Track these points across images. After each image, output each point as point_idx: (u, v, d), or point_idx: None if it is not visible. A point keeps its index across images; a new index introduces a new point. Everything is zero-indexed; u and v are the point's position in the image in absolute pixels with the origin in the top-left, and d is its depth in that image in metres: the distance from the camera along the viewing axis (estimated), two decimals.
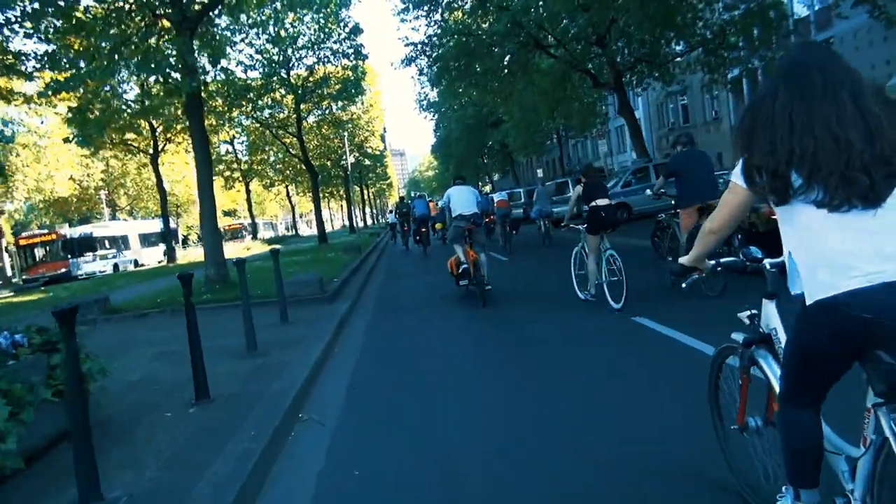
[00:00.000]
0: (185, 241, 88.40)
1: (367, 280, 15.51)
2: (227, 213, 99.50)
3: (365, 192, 70.16)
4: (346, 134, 34.32)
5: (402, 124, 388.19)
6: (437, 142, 62.36)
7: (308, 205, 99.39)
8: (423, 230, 21.89)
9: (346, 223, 71.69)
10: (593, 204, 8.21)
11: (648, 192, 9.59)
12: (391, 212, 37.36)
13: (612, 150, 56.98)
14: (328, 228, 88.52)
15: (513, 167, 56.89)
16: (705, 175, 8.34)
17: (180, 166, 40.63)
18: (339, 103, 29.49)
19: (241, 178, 44.49)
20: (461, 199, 10.36)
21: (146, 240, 47.86)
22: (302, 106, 27.65)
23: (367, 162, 43.64)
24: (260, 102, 25.77)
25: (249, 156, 39.90)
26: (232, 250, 44.10)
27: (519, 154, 47.00)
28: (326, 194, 62.67)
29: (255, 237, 52.43)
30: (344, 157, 39.06)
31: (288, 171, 41.55)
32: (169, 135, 27.89)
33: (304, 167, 31.08)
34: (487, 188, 65.99)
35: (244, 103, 25.06)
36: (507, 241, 19.17)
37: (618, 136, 55.19)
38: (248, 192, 45.66)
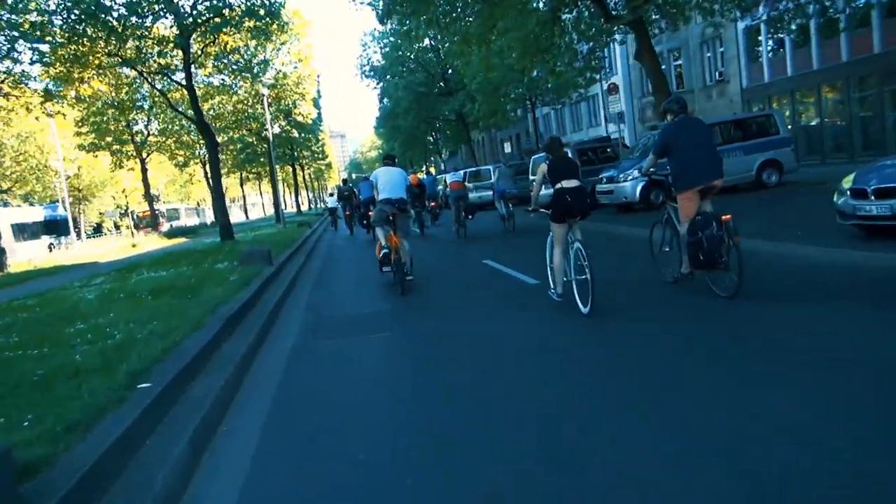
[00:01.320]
0: (97, 230, 77.80)
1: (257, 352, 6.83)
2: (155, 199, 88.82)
3: (301, 173, 61.03)
4: (263, 90, 25.52)
5: (342, 106, 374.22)
6: (382, 115, 53.80)
7: (238, 189, 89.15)
8: (369, 214, 17.58)
9: (289, 206, 63.07)
10: (559, 186, 6.57)
11: (636, 172, 8.43)
12: (331, 195, 33.51)
13: (582, 123, 49.76)
14: (258, 214, 78.14)
15: (470, 143, 48.81)
16: (705, 149, 6.62)
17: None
18: (250, 43, 20.69)
19: (135, 154, 34.98)
20: (388, 183, 9.49)
21: (24, 231, 38.07)
22: (193, 45, 18.76)
23: (297, 133, 34.88)
24: (126, 34, 16.82)
25: (120, 115, 30.44)
26: (113, 247, 36.65)
27: (482, 125, 38.92)
28: (252, 175, 53.37)
29: (154, 228, 42.62)
30: (267, 127, 30.21)
31: (186, 139, 32.40)
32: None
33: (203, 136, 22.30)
34: (433, 169, 58.62)
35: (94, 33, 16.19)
36: (460, 227, 17.11)
37: (590, 106, 47.85)
38: (143, 170, 36.11)
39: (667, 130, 6.82)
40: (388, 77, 47.79)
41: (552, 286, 7.11)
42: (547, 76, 33.81)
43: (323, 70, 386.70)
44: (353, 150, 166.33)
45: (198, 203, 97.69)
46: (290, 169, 50.07)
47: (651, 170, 7.26)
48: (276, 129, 32.78)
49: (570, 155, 24.98)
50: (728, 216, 6.12)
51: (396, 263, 9.10)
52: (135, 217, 64.02)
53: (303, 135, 36.15)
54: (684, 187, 6.57)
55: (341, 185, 26.87)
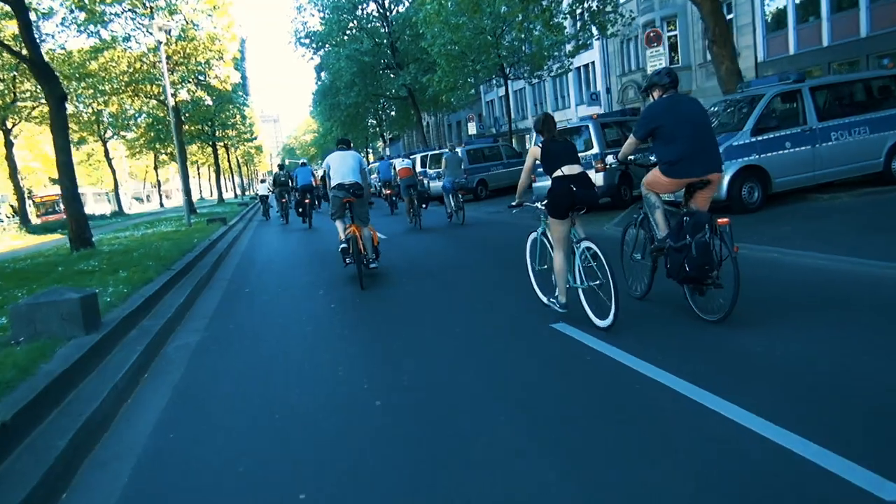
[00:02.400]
0: None
1: None
2: (54, 181, 78.41)
3: (225, 155, 53.01)
4: (159, 34, 18.23)
5: (275, 89, 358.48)
6: (319, 91, 46.43)
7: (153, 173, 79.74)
8: (307, 201, 19.25)
9: (212, 194, 53.36)
10: (559, 173, 5.34)
11: (611, 159, 6.98)
12: (262, 181, 30.40)
13: (546, 104, 43.92)
14: (178, 203, 68.53)
15: (421, 125, 42.20)
16: (700, 134, 5.23)
17: None
18: None
19: None
20: (341, 167, 8.67)
21: None
22: None
23: (210, 101, 27.57)
24: None
25: None
26: None
27: (443, 100, 32.40)
28: (168, 156, 45.27)
29: (24, 221, 33.28)
30: (174, 91, 22.89)
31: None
32: None
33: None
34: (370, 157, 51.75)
35: None
36: (415, 218, 15.46)
37: (556, 86, 42.03)
38: (7, 144, 27.98)
39: (653, 109, 5.33)
40: (327, 46, 40.60)
41: (539, 292, 6.14)
42: (522, 40, 27.84)
43: (253, 49, 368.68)
44: (287, 135, 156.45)
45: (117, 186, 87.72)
46: (210, 149, 42.22)
47: (631, 157, 5.89)
48: (184, 95, 25.42)
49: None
50: (726, 220, 4.89)
51: (357, 255, 8.18)
52: (34, 202, 54.66)
53: (220, 104, 28.85)
54: (673, 174, 5.21)
55: (277, 170, 24.25)
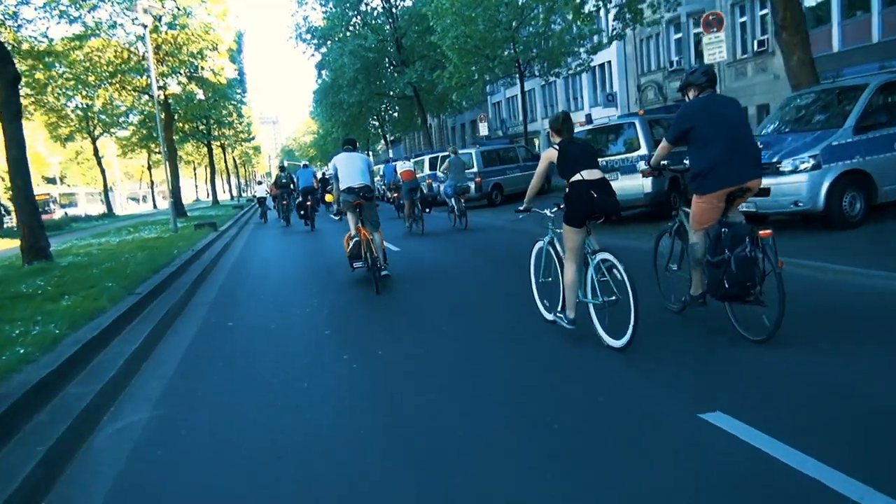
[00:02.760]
0: None
1: None
2: (49, 181, 76.23)
3: (220, 155, 50.82)
4: (144, 18, 16.13)
5: (275, 91, 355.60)
6: (320, 90, 44.33)
7: (164, 172, 77.61)
8: (309, 203, 18.58)
9: (208, 195, 50.76)
10: (578, 177, 4.83)
11: (642, 164, 6.60)
12: (259, 182, 29.26)
13: (558, 105, 41.92)
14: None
15: (426, 126, 40.14)
16: (737, 136, 4.73)
17: None
18: None
19: None
20: (349, 169, 8.33)
21: None
22: None
23: (202, 94, 25.33)
24: None
25: None
26: None
27: (455, 97, 30.34)
28: (158, 153, 43.07)
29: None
30: (163, 83, 20.84)
31: None
32: None
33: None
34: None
35: None
36: (415, 223, 14.99)
37: (569, 86, 40.06)
38: None
39: (687, 109, 4.89)
40: (329, 42, 38.57)
41: (540, 304, 5.73)
42: (541, 34, 25.84)
43: (252, 50, 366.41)
44: (287, 136, 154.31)
45: (111, 187, 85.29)
46: (207, 150, 40.05)
47: (663, 162, 5.40)
48: (175, 88, 23.28)
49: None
50: (768, 231, 4.39)
51: (370, 259, 7.91)
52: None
53: (214, 99, 26.72)
54: (709, 188, 4.73)
55: (279, 172, 23.61)
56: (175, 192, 23.36)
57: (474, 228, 14.35)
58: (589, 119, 14.59)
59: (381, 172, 23.13)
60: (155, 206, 59.51)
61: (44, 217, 55.15)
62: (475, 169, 21.51)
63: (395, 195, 20.10)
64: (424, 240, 13.38)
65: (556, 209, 5.19)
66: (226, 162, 50.29)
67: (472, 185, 19.14)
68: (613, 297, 4.67)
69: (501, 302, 6.80)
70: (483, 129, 29.35)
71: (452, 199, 15.17)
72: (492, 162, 22.16)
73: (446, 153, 23.00)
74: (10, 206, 36.37)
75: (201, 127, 36.33)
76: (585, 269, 5.02)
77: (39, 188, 62.02)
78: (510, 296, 6.81)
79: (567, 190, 4.90)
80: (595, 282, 4.87)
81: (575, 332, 5.05)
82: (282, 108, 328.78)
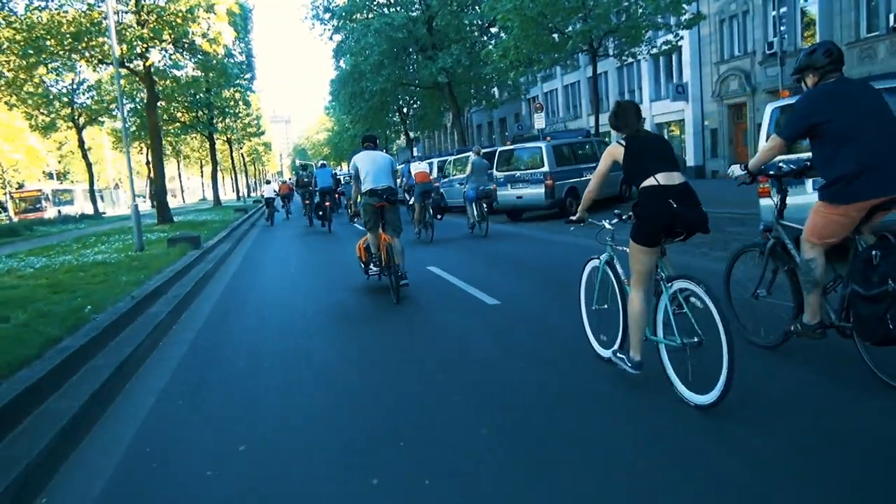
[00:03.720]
0: None
1: None
2: (49, 176, 71.40)
3: (231, 153, 45.57)
4: None
5: (287, 90, 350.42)
6: (338, 79, 38.90)
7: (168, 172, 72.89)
8: (328, 204, 17.70)
9: (211, 194, 45.07)
10: (651, 182, 3.64)
11: (735, 170, 4.31)
12: (268, 182, 26.93)
13: (609, 99, 36.41)
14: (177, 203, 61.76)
15: (459, 120, 34.67)
16: (886, 134, 3.64)
17: None
18: None
19: None
20: (374, 170, 7.39)
21: None
22: None
23: (192, 67, 19.97)
24: None
25: None
26: None
27: (515, 74, 24.63)
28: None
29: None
30: (143, 50, 15.63)
31: None
32: None
33: None
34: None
35: None
36: (425, 229, 13.35)
37: (624, 77, 34.51)
38: None
39: (811, 100, 3.82)
40: (350, 22, 33.24)
41: (592, 338, 4.52)
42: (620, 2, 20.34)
43: (264, 48, 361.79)
44: (299, 135, 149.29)
45: (116, 184, 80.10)
46: (209, 144, 34.67)
47: (782, 165, 4.48)
48: (156, 56, 17.92)
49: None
50: None
51: (388, 266, 7.24)
52: (12, 198, 47.69)
53: (211, 77, 21.34)
54: (850, 197, 3.61)
55: (301, 170, 23.70)
56: (159, 192, 18.15)
57: (497, 236, 13.07)
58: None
59: (402, 173, 19.73)
60: (153, 206, 54.34)
61: (33, 215, 49.99)
62: (546, 168, 16.25)
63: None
64: (436, 248, 11.85)
65: (616, 221, 4.15)
66: (232, 159, 44.97)
67: (544, 191, 16.00)
68: (696, 339, 3.44)
69: (540, 330, 5.39)
70: (539, 121, 23.77)
71: (474, 204, 13.73)
72: (564, 160, 16.76)
73: (518, 147, 18.14)
74: None
75: (201, 115, 31.07)
76: (656, 298, 3.78)
77: (42, 184, 57.17)
78: (554, 325, 5.43)
79: (637, 198, 3.70)
80: (670, 316, 3.59)
81: (639, 379, 3.86)
82: (294, 107, 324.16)
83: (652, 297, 3.85)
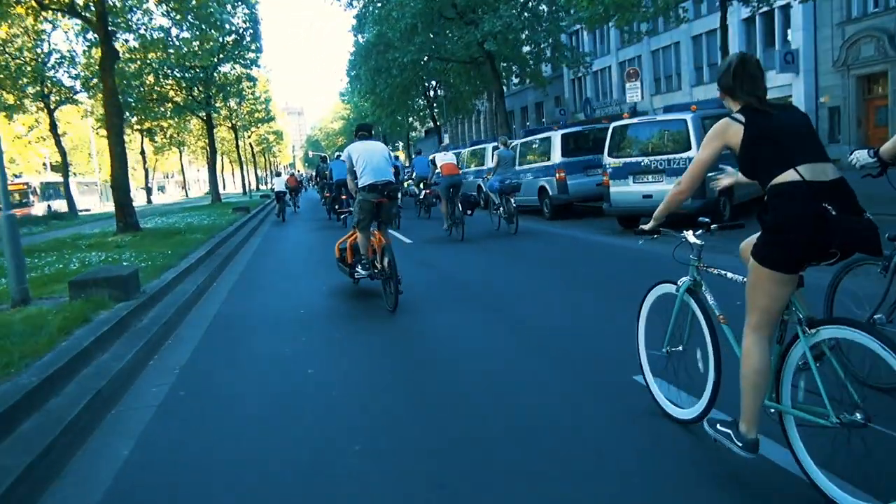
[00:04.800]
0: None
1: None
2: (53, 168, 66.03)
3: (237, 141, 39.74)
4: None
5: (299, 83, 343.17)
6: (360, 52, 32.86)
7: (172, 163, 67.21)
8: (344, 197, 15.90)
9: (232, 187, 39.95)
10: (790, 177, 2.39)
11: (860, 157, 3.21)
12: (278, 174, 25.35)
13: (683, 73, 30.30)
14: (176, 198, 56.82)
15: (503, 100, 28.57)
16: None
17: None
18: None
19: None
20: (371, 162, 6.58)
21: None
22: None
23: (168, 21, 14.46)
24: None
25: None
26: None
27: (529, 67, 18.66)
28: (137, 130, 32.25)
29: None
30: None
31: None
32: None
33: None
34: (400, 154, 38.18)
35: None
36: (455, 226, 12.01)
37: (700, 47, 28.30)
38: None
39: None
40: None
41: (671, 404, 3.30)
42: None
43: (277, 38, 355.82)
44: (312, 126, 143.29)
45: (67, 173, 74.61)
46: (206, 127, 28.80)
47: None
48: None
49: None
50: None
51: (383, 270, 6.39)
52: None
53: (197, 34, 15.69)
54: None
55: (321, 162, 21.97)
56: (119, 187, 12.45)
57: (526, 234, 11.65)
58: None
59: (413, 166, 19.71)
60: (149, 201, 48.59)
61: (18, 212, 44.90)
62: (694, 152, 10.36)
63: (429, 192, 16.84)
64: (466, 247, 10.64)
65: (702, 232, 3.10)
66: (238, 148, 39.16)
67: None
68: (859, 417, 2.27)
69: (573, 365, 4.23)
70: (634, 94, 17.66)
71: (499, 198, 12.29)
72: None
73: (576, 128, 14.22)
74: None
75: (197, 93, 25.32)
76: (783, 349, 2.58)
77: (42, 176, 51.69)
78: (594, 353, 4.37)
79: (767, 199, 2.50)
80: (817, 379, 2.35)
81: (752, 465, 2.64)
82: (307, 98, 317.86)
83: (776, 345, 2.64)
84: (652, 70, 32.47)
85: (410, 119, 46.78)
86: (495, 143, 15.54)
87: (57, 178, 48.29)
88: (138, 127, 28.74)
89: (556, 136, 14.20)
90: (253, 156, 54.99)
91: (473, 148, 21.97)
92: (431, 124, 56.72)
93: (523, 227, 12.02)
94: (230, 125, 37.28)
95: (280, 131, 64.70)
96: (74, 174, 66.44)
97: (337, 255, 7.55)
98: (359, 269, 6.77)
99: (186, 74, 24.86)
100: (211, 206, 25.86)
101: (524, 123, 49.46)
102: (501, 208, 12.22)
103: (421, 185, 17.78)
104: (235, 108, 32.55)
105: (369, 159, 6.53)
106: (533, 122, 45.83)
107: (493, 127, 52.26)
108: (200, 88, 25.60)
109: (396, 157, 36.85)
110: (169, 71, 24.05)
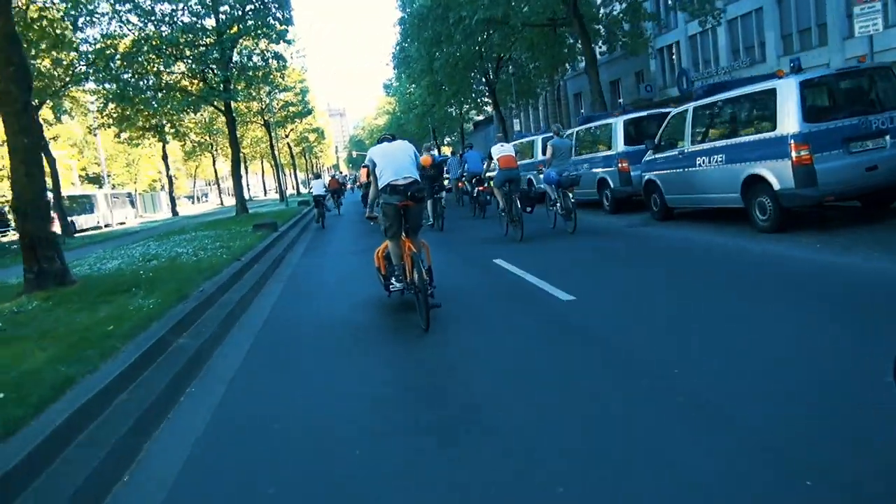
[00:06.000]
0: None
1: None
2: (91, 180, 62.28)
3: (270, 139, 34.11)
4: None
5: (341, 85, 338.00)
6: (412, 24, 26.55)
7: (211, 168, 62.46)
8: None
9: (265, 192, 34.29)
10: None
11: None
12: (317, 176, 23.03)
13: (777, 38, 23.23)
14: (212, 204, 51.67)
15: (595, 69, 21.93)
16: None
17: None
18: None
19: None
20: (391, 161, 5.87)
21: None
22: None
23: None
24: None
25: None
26: None
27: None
28: (140, 131, 26.53)
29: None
30: None
31: None
32: None
33: None
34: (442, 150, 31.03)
35: None
36: (514, 224, 10.61)
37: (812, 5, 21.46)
38: None
39: None
40: None
41: None
42: None
43: (318, 38, 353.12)
44: (354, 125, 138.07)
45: (155, 186, 70.46)
46: (227, 118, 22.93)
47: None
48: None
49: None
50: None
51: (413, 282, 5.62)
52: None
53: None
54: None
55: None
56: (28, 199, 6.64)
57: (587, 232, 10.22)
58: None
59: (465, 160, 16.46)
60: (175, 213, 43.31)
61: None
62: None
63: (482, 188, 14.98)
64: (528, 248, 9.34)
65: None
66: (272, 147, 33.30)
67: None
68: None
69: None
70: (870, 20, 11.00)
71: (554, 191, 10.68)
72: None
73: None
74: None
75: (212, 76, 19.57)
76: None
77: (70, 189, 47.48)
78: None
79: None
80: None
81: None
82: (349, 100, 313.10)
83: None
84: (779, 24, 25.32)
85: (465, 107, 40.58)
86: (548, 134, 14.84)
87: (79, 191, 43.75)
88: (143, 123, 23.10)
89: (618, 123, 12.50)
90: (292, 157, 49.42)
91: (522, 140, 19.07)
92: (483, 116, 50.45)
93: (584, 224, 10.52)
94: (262, 121, 31.57)
95: (321, 129, 59.06)
96: (113, 185, 62.50)
97: (375, 263, 6.59)
98: (393, 280, 6.05)
99: (195, 53, 19.09)
100: (233, 221, 20.08)
101: (594, 108, 42.64)
102: (558, 204, 10.74)
103: (474, 182, 15.79)
104: (266, 99, 26.81)
105: (389, 158, 5.82)
106: (610, 104, 38.95)
107: (555, 113, 45.65)
108: (215, 70, 19.83)
109: (440, 152, 31.12)
110: (172, 49, 18.32)
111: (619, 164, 12.18)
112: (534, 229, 10.60)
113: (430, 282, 5.91)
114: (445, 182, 18.01)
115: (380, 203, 5.90)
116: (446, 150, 54.54)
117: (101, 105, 21.02)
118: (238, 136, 37.68)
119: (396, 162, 5.80)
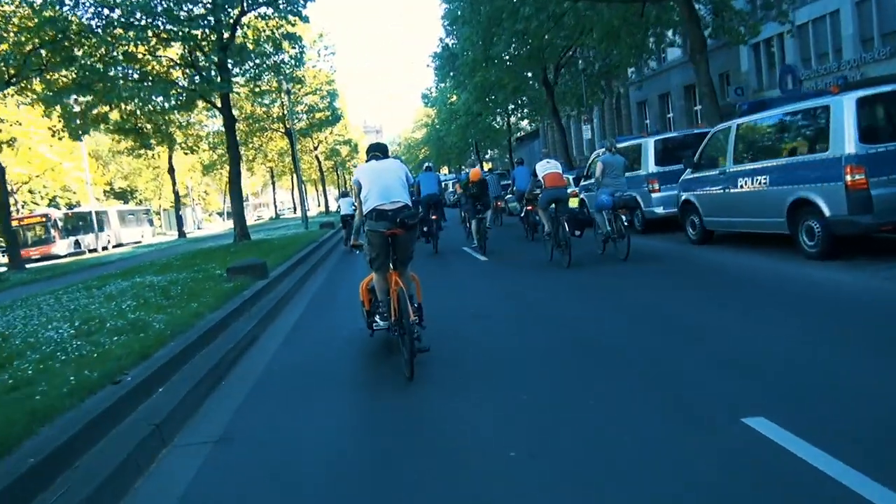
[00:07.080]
0: None
1: None
2: (117, 195, 58.45)
3: (292, 149, 28.97)
4: None
5: (378, 101, 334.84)
6: (465, 5, 21.24)
7: (252, 182, 57.98)
8: (434, 217, 13.69)
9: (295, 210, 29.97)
10: None
11: None
12: (344, 195, 20.70)
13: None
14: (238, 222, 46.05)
15: (705, 54, 16.09)
16: None
17: None
18: None
19: None
20: (378, 183, 5.15)
21: None
22: None
23: None
24: None
25: None
26: None
27: None
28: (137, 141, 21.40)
29: None
30: None
31: None
32: None
33: None
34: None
35: None
36: (561, 249, 9.52)
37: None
38: None
39: None
40: None
41: None
42: None
43: (353, 55, 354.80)
44: (390, 140, 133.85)
45: (177, 203, 66.29)
46: (224, 113, 17.62)
47: None
48: None
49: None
50: None
51: (399, 322, 4.84)
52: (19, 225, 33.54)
53: None
54: None
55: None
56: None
57: (641, 259, 9.04)
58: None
59: (512, 177, 15.86)
60: (182, 234, 38.34)
61: (37, 251, 33.99)
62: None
63: (530, 208, 13.53)
64: (572, 277, 8.25)
65: None
66: (294, 157, 27.96)
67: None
68: None
69: None
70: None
71: (608, 214, 9.66)
72: None
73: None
74: None
75: (203, 61, 14.40)
76: None
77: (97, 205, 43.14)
78: None
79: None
80: None
81: None
82: (385, 117, 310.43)
83: None
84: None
85: (517, 115, 35.01)
86: (598, 150, 14.02)
87: (85, 208, 39.37)
88: (124, 123, 17.91)
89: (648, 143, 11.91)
90: (321, 171, 44.43)
91: (625, 144, 14.71)
92: (535, 125, 44.85)
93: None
94: (283, 129, 26.44)
95: (354, 142, 54.06)
96: (140, 201, 58.43)
97: (360, 296, 5.72)
98: (377, 318, 5.43)
99: (180, 28, 13.87)
100: (222, 252, 14.73)
101: (664, 120, 36.61)
102: (610, 226, 9.58)
103: (524, 201, 14.30)
104: (283, 98, 21.70)
105: (376, 179, 5.10)
106: (681, 115, 32.93)
107: (612, 124, 39.64)
108: (205, 51, 14.63)
109: (519, 163, 26.30)
110: (144, 17, 13.15)
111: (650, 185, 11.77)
112: (579, 254, 9.42)
113: (420, 321, 5.08)
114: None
115: (365, 230, 5.15)
116: (487, 167, 49.18)
117: (66, 100, 16.02)
118: (258, 145, 32.80)
119: (384, 183, 5.08)
